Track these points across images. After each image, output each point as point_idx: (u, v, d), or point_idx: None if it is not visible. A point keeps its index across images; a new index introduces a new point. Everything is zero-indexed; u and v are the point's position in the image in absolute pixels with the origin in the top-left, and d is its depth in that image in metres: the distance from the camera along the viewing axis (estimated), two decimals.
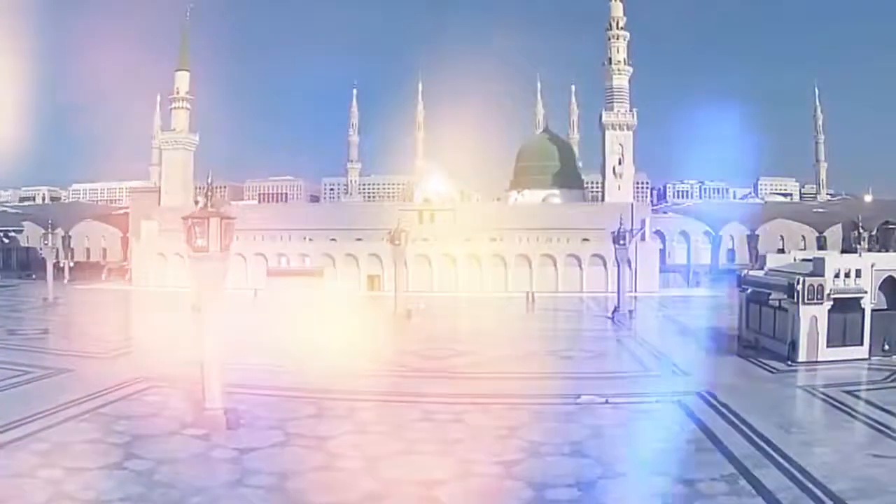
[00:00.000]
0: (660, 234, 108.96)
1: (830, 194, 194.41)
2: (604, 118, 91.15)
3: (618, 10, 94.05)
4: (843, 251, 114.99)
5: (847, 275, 34.65)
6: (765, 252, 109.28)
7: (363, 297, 72.81)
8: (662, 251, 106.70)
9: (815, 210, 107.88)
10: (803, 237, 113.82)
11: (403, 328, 49.96)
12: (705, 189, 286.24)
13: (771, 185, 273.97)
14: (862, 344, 35.09)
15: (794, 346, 34.58)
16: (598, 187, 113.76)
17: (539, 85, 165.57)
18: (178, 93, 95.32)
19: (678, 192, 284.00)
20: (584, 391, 28.35)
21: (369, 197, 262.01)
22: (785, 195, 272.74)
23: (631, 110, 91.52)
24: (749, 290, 41.10)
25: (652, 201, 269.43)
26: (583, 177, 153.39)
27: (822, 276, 34.29)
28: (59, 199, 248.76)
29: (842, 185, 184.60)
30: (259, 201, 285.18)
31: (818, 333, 34.36)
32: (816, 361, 33.98)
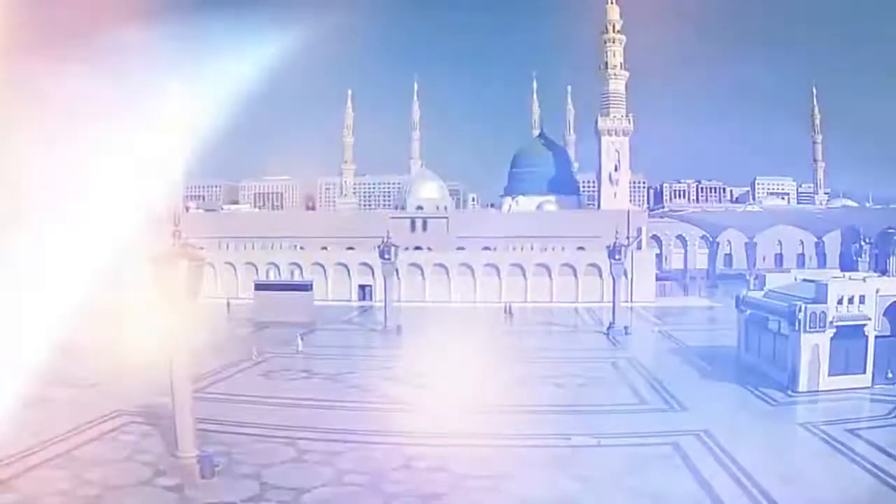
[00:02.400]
0: (656, 239, 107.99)
1: (828, 193, 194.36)
2: (599, 124, 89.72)
3: (614, 13, 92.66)
4: (842, 255, 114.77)
5: (850, 301, 33.50)
6: (763, 255, 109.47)
7: (354, 307, 71.76)
8: (659, 256, 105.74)
9: (815, 215, 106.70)
10: (802, 242, 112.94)
11: (391, 346, 48.71)
12: (702, 188, 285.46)
13: (768, 184, 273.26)
14: (865, 372, 33.99)
15: (794, 375, 33.46)
16: (594, 187, 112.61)
17: (535, 84, 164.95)
18: None
19: (675, 191, 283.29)
20: (576, 428, 27.29)
21: (365, 197, 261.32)
22: (782, 195, 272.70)
23: (627, 115, 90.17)
24: (748, 312, 39.94)
25: (648, 202, 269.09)
26: (579, 177, 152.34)
27: (825, 302, 33.13)
28: None
29: (840, 184, 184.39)
30: (254, 202, 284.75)
31: (820, 362, 33.25)
32: (817, 391, 32.94)
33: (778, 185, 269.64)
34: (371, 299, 74.20)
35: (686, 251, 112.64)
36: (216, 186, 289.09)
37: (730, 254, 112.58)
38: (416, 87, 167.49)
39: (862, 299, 33.60)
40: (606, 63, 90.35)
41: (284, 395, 33.46)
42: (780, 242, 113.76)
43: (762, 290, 40.50)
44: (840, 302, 33.35)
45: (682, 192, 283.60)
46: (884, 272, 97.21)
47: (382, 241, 53.92)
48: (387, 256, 53.07)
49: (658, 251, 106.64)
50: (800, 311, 32.77)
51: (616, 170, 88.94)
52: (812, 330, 32.81)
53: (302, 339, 45.47)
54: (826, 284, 33.54)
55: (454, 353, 44.52)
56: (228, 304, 67.51)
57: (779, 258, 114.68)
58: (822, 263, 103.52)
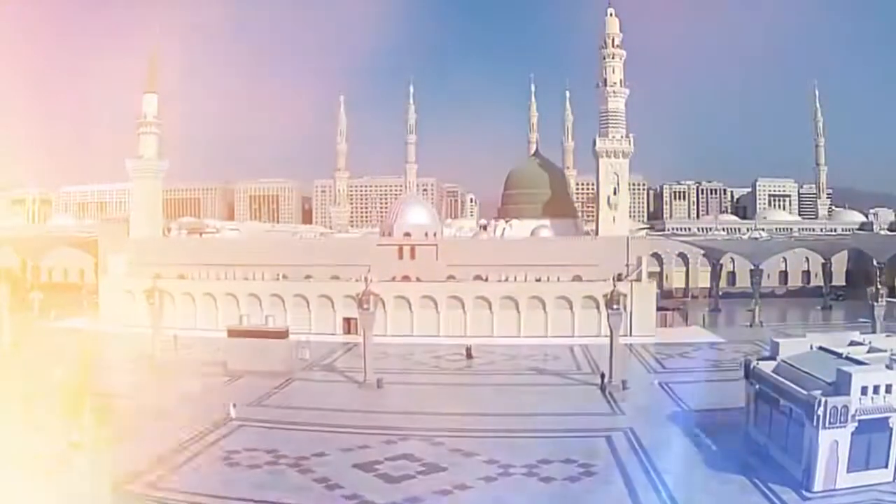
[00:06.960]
0: (657, 257, 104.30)
1: (830, 196, 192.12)
2: (598, 145, 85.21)
3: (613, 26, 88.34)
4: (847, 272, 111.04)
5: (876, 391, 29.82)
6: (768, 273, 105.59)
7: (338, 343, 68.19)
8: (660, 274, 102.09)
9: (823, 239, 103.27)
10: (807, 259, 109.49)
11: (369, 408, 44.89)
12: (702, 190, 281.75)
13: (769, 186, 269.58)
14: (887, 466, 30.45)
15: (809, 472, 29.88)
16: (593, 188, 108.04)
17: (533, 87, 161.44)
18: (145, 118, 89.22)
19: (675, 193, 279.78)
20: None
21: (360, 201, 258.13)
22: (783, 196, 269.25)
23: (627, 136, 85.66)
24: (758, 387, 36.27)
25: (648, 205, 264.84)
26: (579, 179, 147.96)
27: (847, 394, 29.46)
28: (49, 201, 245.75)
29: (841, 182, 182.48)
30: (250, 204, 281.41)
31: (839, 459, 29.66)
32: (834, 490, 29.46)
33: (779, 186, 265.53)
34: (356, 333, 70.48)
35: (688, 269, 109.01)
36: (211, 189, 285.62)
37: (733, 271, 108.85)
38: (411, 89, 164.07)
39: (889, 389, 29.93)
40: (605, 80, 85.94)
41: (241, 496, 29.84)
42: (784, 260, 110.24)
43: (774, 358, 37.01)
44: (864, 392, 29.69)
45: (682, 194, 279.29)
46: (890, 289, 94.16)
47: (362, 289, 50.12)
48: (366, 306, 49.31)
49: (658, 270, 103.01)
50: (819, 405, 29.11)
51: (615, 193, 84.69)
52: (832, 426, 29.19)
53: (234, 406, 41.91)
54: (849, 375, 29.75)
55: (436, 421, 41.06)
56: (175, 338, 63.87)
57: (784, 277, 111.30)
58: (827, 282, 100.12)
